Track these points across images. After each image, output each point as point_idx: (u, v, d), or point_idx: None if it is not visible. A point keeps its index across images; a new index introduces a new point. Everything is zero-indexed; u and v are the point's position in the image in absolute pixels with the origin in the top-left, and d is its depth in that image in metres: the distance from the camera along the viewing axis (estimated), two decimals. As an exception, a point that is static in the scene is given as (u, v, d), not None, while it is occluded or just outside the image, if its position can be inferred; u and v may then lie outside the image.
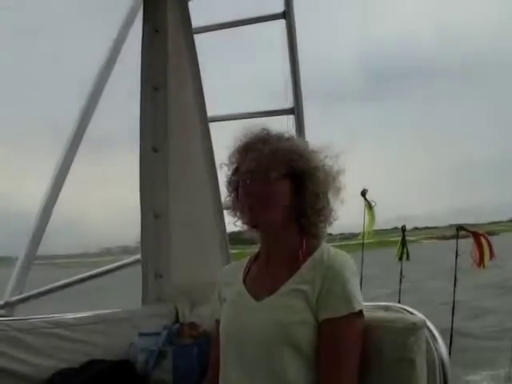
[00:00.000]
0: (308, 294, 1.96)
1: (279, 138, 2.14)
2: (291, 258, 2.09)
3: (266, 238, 2.17)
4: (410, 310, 2.40)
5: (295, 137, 2.24)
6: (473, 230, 10.00)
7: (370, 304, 2.55)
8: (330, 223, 2.18)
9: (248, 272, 2.24)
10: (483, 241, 9.45)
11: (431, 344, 2.24)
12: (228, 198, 2.28)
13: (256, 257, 2.28)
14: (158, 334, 3.01)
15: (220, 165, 2.23)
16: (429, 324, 2.24)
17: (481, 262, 9.42)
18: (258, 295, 2.09)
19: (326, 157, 2.15)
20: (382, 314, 2.39)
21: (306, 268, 2.03)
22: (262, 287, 2.11)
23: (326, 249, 2.09)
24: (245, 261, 2.32)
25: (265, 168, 2.04)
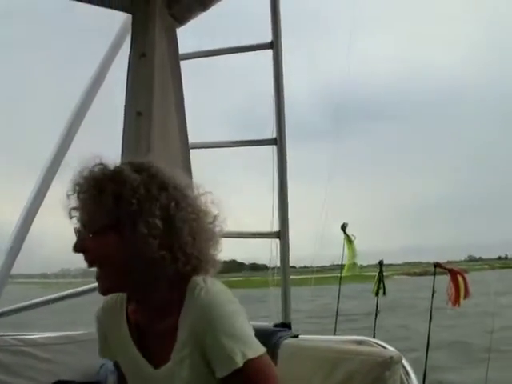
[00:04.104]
0: (195, 358, 1.73)
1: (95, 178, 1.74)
2: (167, 314, 1.79)
3: (132, 299, 1.89)
4: (384, 344, 2.40)
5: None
6: (449, 267, 10.01)
7: (343, 338, 2.55)
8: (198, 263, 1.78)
9: (131, 325, 1.89)
10: (459, 278, 9.46)
11: (404, 379, 2.24)
12: None
13: (129, 302, 1.93)
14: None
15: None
16: (403, 360, 2.24)
17: (456, 300, 9.42)
18: (153, 360, 1.82)
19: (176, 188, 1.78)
20: (357, 347, 2.39)
21: (182, 323, 1.74)
22: (154, 350, 1.84)
23: (195, 290, 1.74)
24: (120, 305, 1.94)
25: (81, 227, 1.75)
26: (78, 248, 1.73)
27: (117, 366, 1.96)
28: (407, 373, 2.28)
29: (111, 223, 1.69)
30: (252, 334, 1.71)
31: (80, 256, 1.75)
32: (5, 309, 3.84)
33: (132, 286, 1.78)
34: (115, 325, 1.90)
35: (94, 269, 1.76)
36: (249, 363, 1.66)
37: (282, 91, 3.65)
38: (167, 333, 1.75)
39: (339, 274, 10.75)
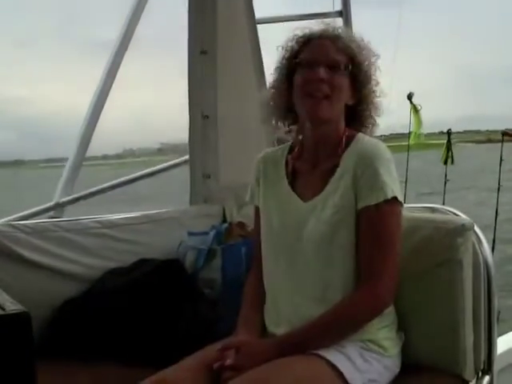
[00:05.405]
0: (348, 188, 1.98)
1: (345, 33, 2.13)
2: (333, 153, 2.09)
3: (316, 133, 2.12)
4: (456, 212, 2.41)
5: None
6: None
7: (416, 205, 2.58)
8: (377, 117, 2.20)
9: (289, 168, 2.21)
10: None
11: (476, 247, 2.26)
12: (272, 90, 2.24)
13: (291, 150, 2.27)
14: (206, 233, 3.05)
15: (277, 47, 2.19)
16: (475, 227, 2.26)
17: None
18: (304, 195, 2.10)
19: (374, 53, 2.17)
20: (430, 215, 2.42)
21: (344, 162, 2.04)
22: (307, 187, 2.11)
23: (361, 138, 2.09)
24: (281, 153, 2.29)
25: (337, 60, 2.05)
26: (323, 77, 2.02)
27: (257, 212, 2.32)
28: (479, 239, 2.30)
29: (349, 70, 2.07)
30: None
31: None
32: (102, 185, 3.96)
33: (332, 123, 2.11)
34: (273, 170, 2.26)
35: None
36: (393, 201, 1.96)
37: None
38: (327, 171, 2.08)
39: (400, 143, 10.75)
